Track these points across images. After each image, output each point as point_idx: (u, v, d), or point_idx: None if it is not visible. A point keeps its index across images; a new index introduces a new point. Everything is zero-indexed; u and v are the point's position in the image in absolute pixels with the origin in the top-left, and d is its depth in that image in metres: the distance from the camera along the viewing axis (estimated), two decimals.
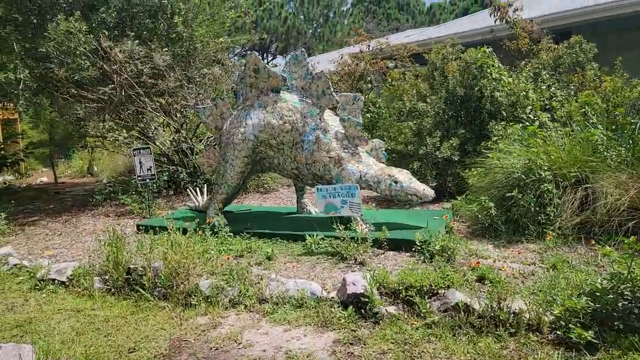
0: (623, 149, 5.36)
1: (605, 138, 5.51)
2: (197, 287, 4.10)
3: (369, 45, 11.27)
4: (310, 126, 5.52)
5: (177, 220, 6.45)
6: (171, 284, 4.18)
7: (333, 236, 5.17)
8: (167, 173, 8.64)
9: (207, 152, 6.54)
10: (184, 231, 5.43)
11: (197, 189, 7.38)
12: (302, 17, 34.13)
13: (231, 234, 5.68)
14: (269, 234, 5.65)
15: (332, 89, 5.45)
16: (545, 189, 5.04)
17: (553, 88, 7.80)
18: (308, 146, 5.51)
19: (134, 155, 7.28)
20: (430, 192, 5.21)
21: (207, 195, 7.45)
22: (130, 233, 6.57)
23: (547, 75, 8.08)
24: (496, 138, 6.53)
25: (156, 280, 4.28)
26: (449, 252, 4.55)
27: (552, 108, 7.54)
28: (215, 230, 5.67)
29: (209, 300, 4.00)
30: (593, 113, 6.36)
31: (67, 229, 7.28)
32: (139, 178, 7.35)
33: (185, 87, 8.35)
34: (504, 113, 6.86)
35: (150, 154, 7.23)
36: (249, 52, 5.79)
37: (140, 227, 6.49)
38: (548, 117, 7.20)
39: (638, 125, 5.57)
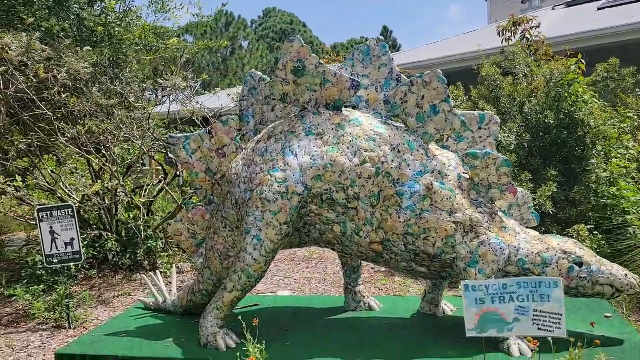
0: None
1: None
2: None
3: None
4: (414, 168, 3.12)
5: (129, 339, 3.46)
6: None
7: None
8: (85, 242, 5.47)
9: (191, 214, 3.75)
10: None
11: (157, 272, 4.40)
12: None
13: None
14: None
15: (451, 103, 3.14)
16: None
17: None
18: (412, 203, 3.07)
19: (41, 221, 4.17)
20: (637, 281, 3.05)
21: (175, 281, 4.47)
22: None
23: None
24: (604, 179, 4.70)
25: None
26: None
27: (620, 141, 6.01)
28: None
29: None
30: None
31: None
32: (49, 260, 4.21)
33: (119, 110, 5.39)
34: (599, 147, 5.08)
35: (73, 217, 4.17)
36: (285, 42, 3.27)
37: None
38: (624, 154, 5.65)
39: None
